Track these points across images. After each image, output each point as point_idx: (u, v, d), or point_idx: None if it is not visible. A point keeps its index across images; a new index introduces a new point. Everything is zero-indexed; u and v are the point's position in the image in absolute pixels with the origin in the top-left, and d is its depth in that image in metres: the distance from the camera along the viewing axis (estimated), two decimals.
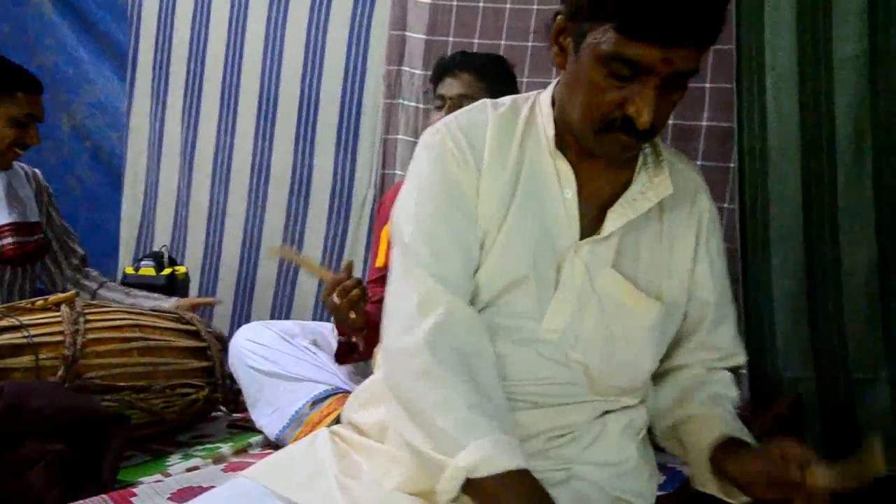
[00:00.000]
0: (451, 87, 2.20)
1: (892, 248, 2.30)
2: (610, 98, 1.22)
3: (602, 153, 1.30)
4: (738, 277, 2.43)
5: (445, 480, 1.11)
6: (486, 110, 1.38)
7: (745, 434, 1.35)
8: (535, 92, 1.42)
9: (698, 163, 2.46)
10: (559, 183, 1.34)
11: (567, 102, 1.30)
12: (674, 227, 1.40)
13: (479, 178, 1.32)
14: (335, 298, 1.96)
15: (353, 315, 1.95)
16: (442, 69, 2.26)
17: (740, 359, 1.50)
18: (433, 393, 1.17)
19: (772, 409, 2.28)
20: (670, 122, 2.46)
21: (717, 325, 1.46)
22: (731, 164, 2.45)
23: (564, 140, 1.34)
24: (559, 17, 1.28)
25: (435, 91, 2.28)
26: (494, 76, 2.20)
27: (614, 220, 1.33)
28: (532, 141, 1.36)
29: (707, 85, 2.46)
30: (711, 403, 1.42)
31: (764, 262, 2.43)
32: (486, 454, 1.09)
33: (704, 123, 2.49)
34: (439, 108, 2.21)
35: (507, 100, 1.41)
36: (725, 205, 2.45)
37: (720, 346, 1.47)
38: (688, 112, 2.49)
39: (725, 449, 1.31)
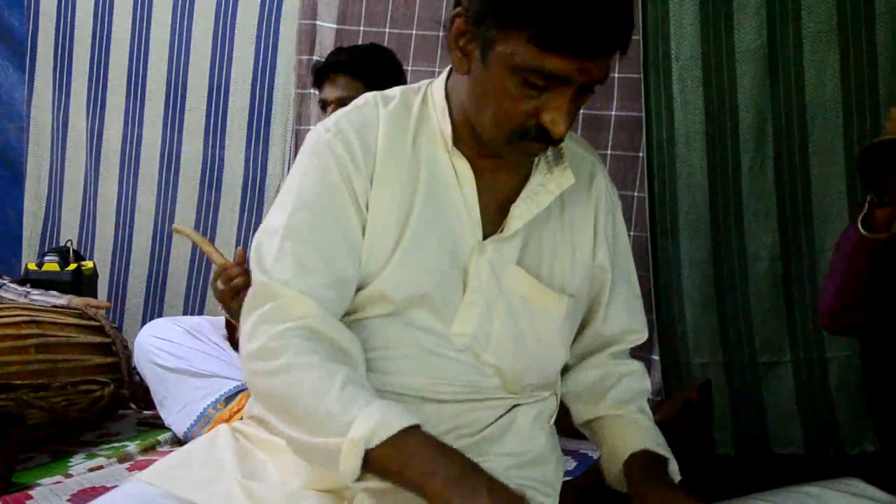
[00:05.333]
0: (330, 91, 2.21)
1: (794, 234, 2.37)
2: (524, 108, 1.19)
3: (513, 158, 1.29)
4: (649, 265, 2.47)
5: (345, 460, 1.08)
6: (377, 107, 1.33)
7: (660, 444, 1.40)
8: (424, 82, 1.39)
9: (608, 152, 2.50)
10: (458, 181, 1.31)
11: (475, 111, 1.26)
12: (574, 218, 1.40)
13: (372, 181, 1.28)
14: (219, 284, 1.95)
15: (234, 304, 1.93)
16: (318, 74, 2.27)
17: (639, 336, 1.52)
18: (301, 383, 1.15)
19: (681, 395, 2.31)
20: (580, 111, 2.53)
21: (610, 308, 1.47)
22: (640, 154, 2.48)
23: (460, 136, 1.31)
24: (458, 19, 1.22)
25: (320, 94, 2.29)
26: (370, 71, 2.19)
27: (518, 217, 1.32)
28: (426, 137, 1.33)
29: (615, 75, 2.48)
30: (627, 405, 1.46)
31: (672, 249, 2.47)
32: (377, 420, 1.07)
33: (613, 113, 2.51)
34: (324, 110, 2.23)
35: (395, 92, 1.36)
36: (635, 193, 2.48)
37: (612, 331, 1.49)
38: (597, 102, 2.51)
39: (639, 467, 1.37)
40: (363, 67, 2.20)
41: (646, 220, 2.47)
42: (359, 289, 1.30)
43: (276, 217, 1.27)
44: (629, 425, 1.44)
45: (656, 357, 2.46)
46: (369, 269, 1.28)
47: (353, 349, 1.23)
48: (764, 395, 2.42)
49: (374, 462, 1.07)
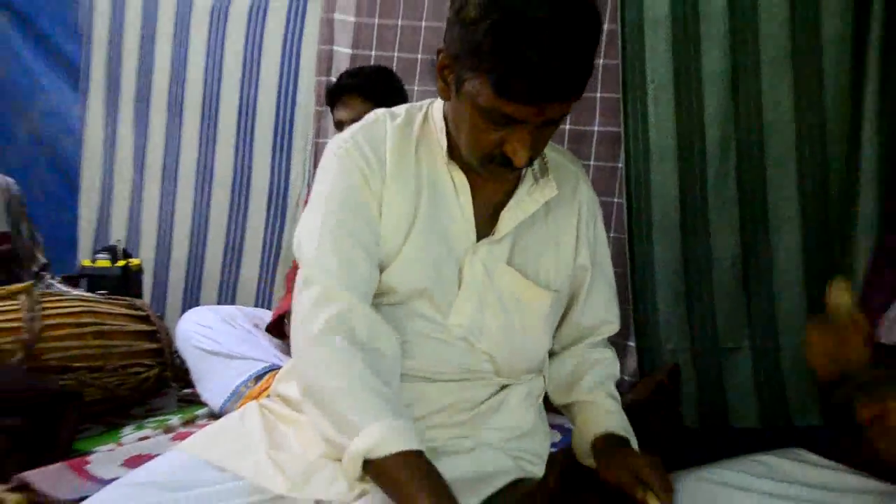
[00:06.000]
0: (342, 111, 2.21)
1: (752, 237, 2.40)
2: (489, 138, 1.21)
3: (487, 177, 1.31)
4: (626, 264, 2.49)
5: (346, 462, 1.11)
6: (385, 123, 1.36)
7: (622, 427, 1.42)
8: (426, 101, 1.42)
9: (590, 163, 2.51)
10: (455, 190, 1.34)
11: (455, 133, 1.30)
12: (559, 222, 1.42)
13: (384, 186, 1.31)
14: None
15: None
16: (331, 96, 2.27)
17: (612, 327, 1.54)
18: (334, 379, 1.16)
19: (654, 377, 2.35)
20: (566, 127, 2.51)
21: (587, 301, 1.49)
22: (619, 165, 2.48)
23: (456, 150, 1.33)
24: (441, 53, 1.25)
25: (333, 114, 2.29)
26: (379, 91, 2.19)
27: (507, 221, 1.35)
28: (426, 150, 1.35)
29: (598, 95, 2.50)
30: (597, 390, 1.48)
31: (647, 250, 2.48)
32: (381, 437, 1.09)
33: (595, 129, 2.52)
34: (338, 129, 2.19)
35: (401, 110, 1.40)
36: (614, 200, 2.49)
37: (589, 322, 1.51)
38: (581, 118, 2.52)
39: (603, 444, 1.40)
40: (370, 88, 2.22)
41: (624, 224, 2.48)
42: None
43: (311, 217, 1.31)
44: (597, 410, 1.45)
45: (633, 344, 2.48)
46: (380, 264, 1.31)
47: (385, 345, 1.24)
48: (725, 377, 2.44)
49: (371, 471, 1.10)
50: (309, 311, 1.23)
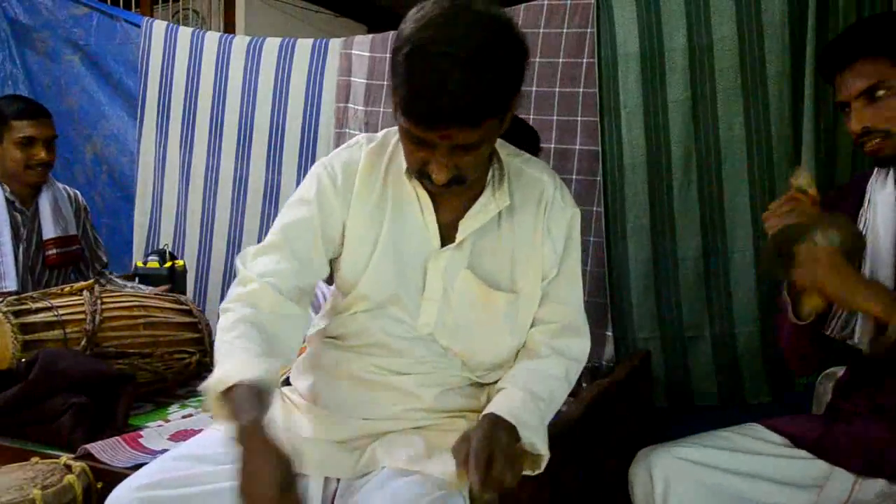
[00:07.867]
0: None
1: (712, 239, 2.40)
2: (417, 157, 1.20)
3: (435, 191, 1.28)
4: (605, 263, 2.49)
5: (207, 401, 1.11)
6: (361, 147, 1.35)
7: (511, 412, 1.22)
8: None
9: (573, 177, 2.50)
10: (419, 204, 1.32)
11: None
12: (523, 228, 1.36)
13: (349, 207, 1.30)
14: None
15: None
16: None
17: (565, 320, 1.39)
18: (224, 338, 1.18)
19: (628, 362, 2.35)
20: (552, 146, 2.50)
21: (547, 297, 1.39)
22: (598, 178, 2.48)
23: None
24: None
25: None
26: None
27: (463, 230, 1.31)
28: (395, 169, 1.33)
29: (579, 118, 2.51)
30: (511, 382, 1.30)
31: (622, 251, 2.48)
32: (220, 375, 1.09)
33: (577, 147, 2.52)
34: None
35: (380, 134, 1.38)
36: (594, 208, 2.48)
37: (542, 314, 1.39)
38: (565, 138, 2.52)
39: (477, 422, 1.24)
40: None
41: (602, 228, 2.49)
42: (347, 292, 1.32)
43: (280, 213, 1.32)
44: (502, 396, 1.28)
45: (610, 333, 2.48)
46: (352, 275, 1.31)
47: (284, 331, 1.23)
48: (689, 361, 2.44)
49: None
50: (229, 293, 1.26)
